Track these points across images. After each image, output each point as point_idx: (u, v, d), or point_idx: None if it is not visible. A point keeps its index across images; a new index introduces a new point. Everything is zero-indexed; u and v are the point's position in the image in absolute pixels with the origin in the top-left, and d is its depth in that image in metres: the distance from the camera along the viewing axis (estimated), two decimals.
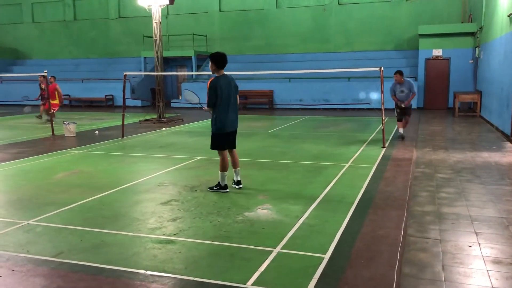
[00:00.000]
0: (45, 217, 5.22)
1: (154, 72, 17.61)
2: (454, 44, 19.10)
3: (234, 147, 6.38)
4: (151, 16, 15.85)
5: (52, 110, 14.65)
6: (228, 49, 24.36)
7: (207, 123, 15.24)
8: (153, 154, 9.37)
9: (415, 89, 11.18)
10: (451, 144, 10.28)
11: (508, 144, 10.15)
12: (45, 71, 13.42)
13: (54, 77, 16.27)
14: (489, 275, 3.68)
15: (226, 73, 6.17)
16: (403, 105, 10.77)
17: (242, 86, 13.10)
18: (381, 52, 21.78)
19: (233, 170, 6.40)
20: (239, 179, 6.45)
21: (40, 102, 16.92)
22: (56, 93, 15.51)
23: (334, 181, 6.77)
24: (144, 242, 4.43)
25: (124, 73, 12.54)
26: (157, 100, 16.15)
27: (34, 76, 17.44)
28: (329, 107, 20.02)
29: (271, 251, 4.13)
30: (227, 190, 6.24)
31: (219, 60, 6.04)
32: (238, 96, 6.30)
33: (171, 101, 23.07)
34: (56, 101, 15.73)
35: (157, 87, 16.31)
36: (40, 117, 16.73)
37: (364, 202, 5.68)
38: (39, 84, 17.07)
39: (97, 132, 13.06)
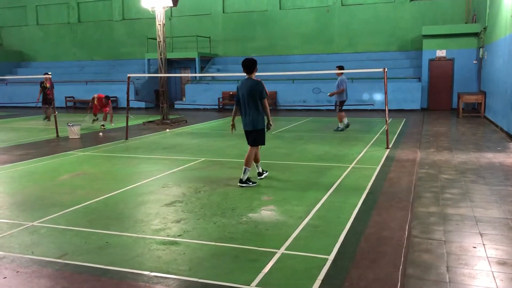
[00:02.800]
0: (50, 219, 5.24)
1: (157, 73, 17.64)
2: (458, 45, 19.03)
3: (250, 144, 6.85)
4: (155, 18, 15.89)
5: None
6: (231, 51, 24.54)
7: (210, 125, 15.26)
8: (156, 155, 9.39)
9: (342, 86, 12.76)
10: (455, 144, 10.25)
11: None
12: (50, 73, 13.45)
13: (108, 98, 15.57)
14: (494, 276, 3.67)
15: (255, 77, 6.66)
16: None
17: None
18: (384, 53, 21.74)
19: None
20: (259, 171, 7.09)
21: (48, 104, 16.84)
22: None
23: (338, 182, 6.76)
24: (148, 243, 4.44)
25: (128, 75, 12.58)
26: (161, 101, 16.18)
27: (39, 78, 17.42)
28: (333, 108, 19.96)
29: (275, 252, 4.12)
30: (250, 183, 6.63)
31: (242, 65, 6.64)
32: (260, 100, 6.68)
33: (175, 102, 23.09)
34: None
35: (160, 88, 16.35)
36: (48, 119, 16.72)
37: (368, 203, 5.68)
38: (41, 83, 16.50)
39: (101, 133, 13.10)
